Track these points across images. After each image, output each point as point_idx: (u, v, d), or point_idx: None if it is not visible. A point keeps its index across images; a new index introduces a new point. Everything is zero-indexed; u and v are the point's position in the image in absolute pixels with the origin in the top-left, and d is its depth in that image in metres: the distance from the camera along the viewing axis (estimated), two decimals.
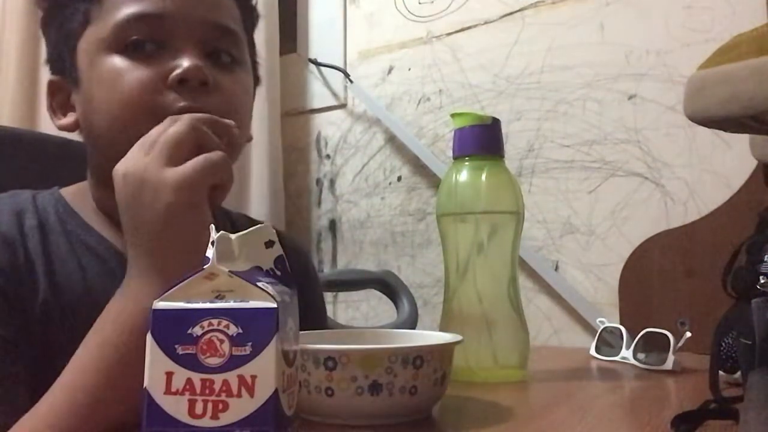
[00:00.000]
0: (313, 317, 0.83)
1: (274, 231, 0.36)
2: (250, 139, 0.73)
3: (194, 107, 0.57)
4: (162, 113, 0.56)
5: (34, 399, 0.46)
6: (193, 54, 0.59)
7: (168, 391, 0.29)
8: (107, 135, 0.60)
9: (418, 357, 0.46)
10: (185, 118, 0.50)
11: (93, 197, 0.66)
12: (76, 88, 0.63)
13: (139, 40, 0.60)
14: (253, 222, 0.83)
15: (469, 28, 1.50)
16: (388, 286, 1.26)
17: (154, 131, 0.50)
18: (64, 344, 0.48)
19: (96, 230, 0.63)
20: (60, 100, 0.66)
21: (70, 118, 0.65)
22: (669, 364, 0.70)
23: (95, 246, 0.62)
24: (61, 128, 0.66)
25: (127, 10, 0.60)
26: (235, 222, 0.79)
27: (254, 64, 0.73)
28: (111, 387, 0.45)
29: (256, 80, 0.74)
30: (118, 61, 0.59)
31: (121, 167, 0.49)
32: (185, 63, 0.58)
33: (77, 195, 0.67)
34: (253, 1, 0.74)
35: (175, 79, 0.58)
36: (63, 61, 0.64)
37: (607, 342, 0.82)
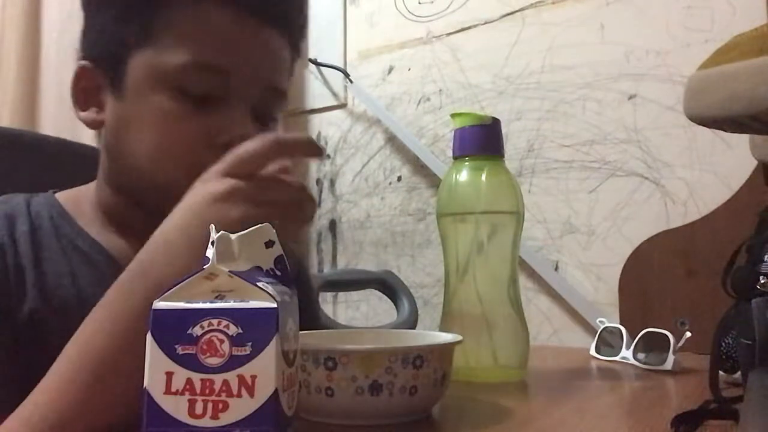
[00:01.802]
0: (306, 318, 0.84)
1: (274, 231, 0.36)
2: None
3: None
4: (196, 170, 0.55)
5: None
6: (245, 118, 0.59)
7: (168, 391, 0.29)
8: (142, 168, 0.59)
9: (418, 357, 0.46)
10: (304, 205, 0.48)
11: (100, 201, 0.66)
12: (115, 95, 0.61)
13: (198, 88, 0.58)
14: None
15: (469, 28, 1.51)
16: (388, 286, 1.26)
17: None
18: (55, 348, 0.47)
19: (90, 235, 0.63)
20: (86, 88, 0.63)
21: (93, 114, 0.62)
22: (669, 364, 0.70)
23: (87, 251, 0.62)
24: (84, 121, 0.63)
25: (192, 56, 0.57)
26: None
27: None
28: (104, 377, 0.44)
29: None
30: (170, 103, 0.58)
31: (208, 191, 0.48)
32: (235, 129, 0.57)
33: (73, 199, 0.66)
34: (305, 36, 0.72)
35: (222, 142, 0.56)
36: (106, 59, 0.61)
37: (607, 342, 0.82)
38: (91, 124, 0.63)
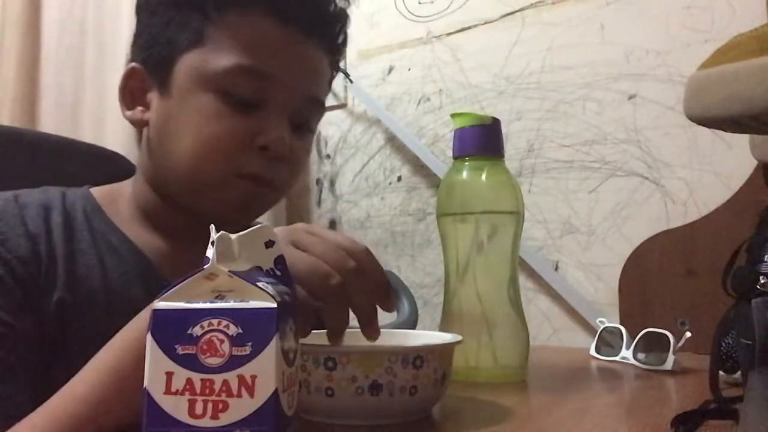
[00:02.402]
0: None
1: (275, 231, 0.36)
2: None
3: (264, 178, 0.62)
4: (233, 169, 0.60)
5: (51, 390, 0.46)
6: (284, 123, 0.62)
7: (168, 391, 0.29)
8: (182, 165, 0.62)
9: (418, 357, 0.46)
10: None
11: (137, 199, 0.68)
12: (161, 94, 0.63)
13: (240, 91, 0.61)
14: None
15: (469, 28, 1.50)
16: None
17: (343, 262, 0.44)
18: (80, 338, 0.48)
19: (121, 231, 0.65)
20: (133, 89, 0.65)
21: (138, 114, 0.65)
22: (669, 364, 0.70)
23: (117, 246, 0.63)
24: (129, 119, 0.66)
25: (239, 60, 0.60)
26: None
27: None
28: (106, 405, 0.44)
29: None
30: (214, 103, 0.60)
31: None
32: (273, 132, 0.61)
33: (108, 195, 0.68)
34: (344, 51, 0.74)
35: (260, 144, 0.61)
36: (155, 60, 0.64)
37: (607, 342, 0.82)
38: (137, 123, 0.66)
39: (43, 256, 0.58)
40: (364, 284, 0.45)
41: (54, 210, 0.62)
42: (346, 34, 0.70)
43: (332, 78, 0.72)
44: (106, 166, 0.86)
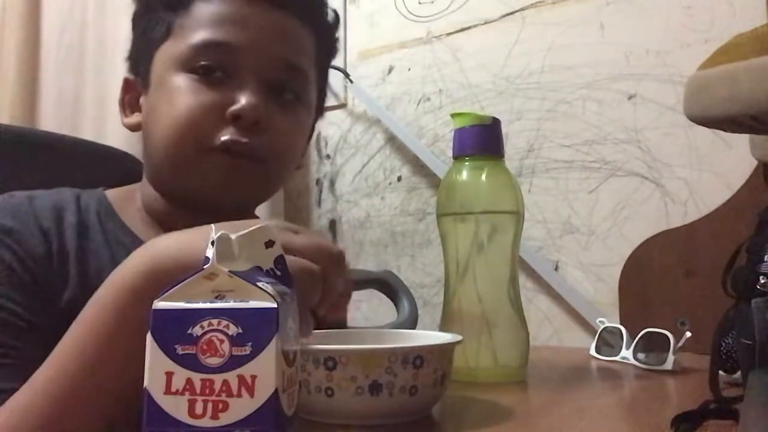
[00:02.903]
0: None
1: (274, 231, 0.36)
2: (300, 167, 0.77)
3: (237, 142, 0.61)
4: (205, 143, 0.60)
5: None
6: (255, 90, 0.62)
7: (168, 391, 0.29)
8: (161, 146, 0.63)
9: (418, 357, 0.46)
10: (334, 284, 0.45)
11: (144, 200, 0.69)
12: (145, 93, 0.67)
13: (208, 65, 0.62)
14: None
15: (469, 28, 1.50)
16: (388, 286, 1.26)
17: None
18: None
19: (133, 232, 0.66)
20: (130, 99, 0.69)
21: (135, 119, 0.68)
22: (669, 364, 0.70)
23: (130, 247, 0.64)
24: (126, 126, 0.70)
25: (203, 35, 0.62)
26: None
27: (321, 92, 0.76)
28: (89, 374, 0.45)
29: (321, 110, 0.78)
30: (185, 81, 0.62)
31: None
32: (244, 100, 0.61)
33: (121, 197, 0.69)
34: (336, 34, 0.75)
35: (231, 114, 0.61)
36: (140, 64, 0.68)
37: (607, 342, 0.82)
38: (134, 127, 0.69)
39: (56, 254, 0.59)
40: (340, 272, 0.45)
41: (67, 210, 0.63)
42: (325, 4, 0.72)
43: (321, 46, 0.70)
44: (125, 166, 0.88)
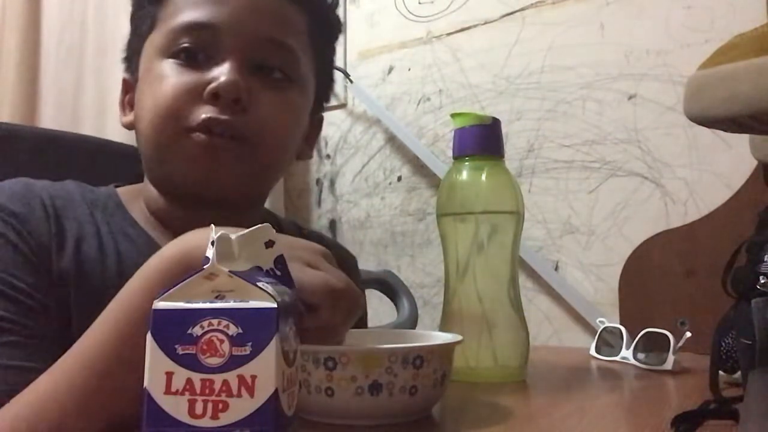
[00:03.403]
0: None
1: (274, 231, 0.36)
2: (304, 156, 0.74)
3: (216, 119, 0.59)
4: (187, 122, 0.59)
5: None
6: (236, 68, 0.60)
7: (168, 391, 0.29)
8: (146, 134, 0.63)
9: (418, 357, 0.46)
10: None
11: (145, 198, 0.68)
12: (136, 88, 0.67)
13: (189, 47, 0.62)
14: (305, 231, 0.86)
15: (469, 28, 1.50)
16: (388, 286, 1.26)
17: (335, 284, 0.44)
18: (83, 316, 0.48)
19: (140, 226, 0.66)
20: (130, 99, 0.69)
21: (131, 117, 0.68)
22: (669, 364, 0.70)
23: (135, 238, 0.64)
24: (123, 125, 0.69)
25: (183, 18, 0.62)
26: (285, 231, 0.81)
27: (326, 77, 0.74)
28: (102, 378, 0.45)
29: (327, 96, 0.75)
30: (166, 66, 0.62)
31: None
32: (222, 77, 0.59)
33: (130, 194, 0.69)
34: (335, 11, 0.73)
35: (209, 92, 0.59)
36: (132, 61, 0.68)
37: (607, 342, 0.82)
38: (129, 126, 0.68)
39: (54, 235, 0.59)
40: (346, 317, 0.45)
41: (71, 201, 0.63)
42: None
43: (311, 23, 0.68)
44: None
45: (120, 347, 0.44)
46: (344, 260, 0.82)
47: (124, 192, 0.69)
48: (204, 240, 0.42)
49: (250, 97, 0.60)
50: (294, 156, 0.71)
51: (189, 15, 0.62)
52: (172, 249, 0.46)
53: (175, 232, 0.65)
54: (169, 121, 0.60)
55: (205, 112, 0.59)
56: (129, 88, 0.70)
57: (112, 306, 0.46)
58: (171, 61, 0.62)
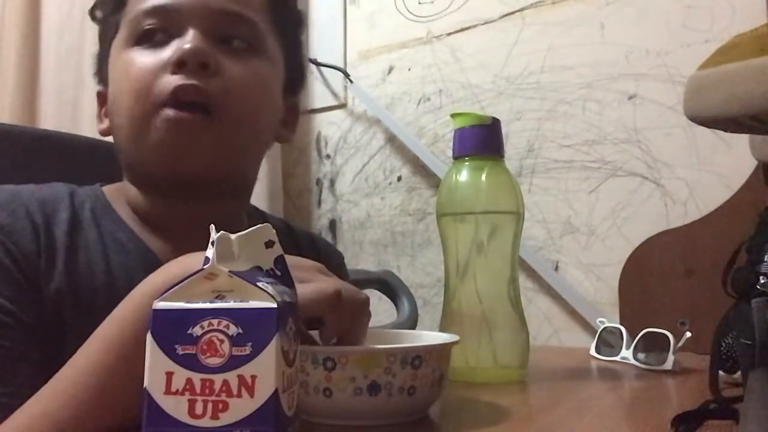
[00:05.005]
0: None
1: (275, 231, 0.36)
2: (283, 139, 0.74)
3: (185, 86, 0.58)
4: (158, 95, 0.59)
5: (45, 382, 0.46)
6: (197, 38, 0.60)
7: (168, 391, 0.29)
8: (119, 122, 0.63)
9: (416, 357, 0.46)
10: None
11: (127, 198, 0.68)
12: (107, 92, 0.67)
13: (149, 30, 0.62)
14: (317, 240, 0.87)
15: (469, 28, 1.50)
16: (388, 286, 1.26)
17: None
18: (82, 334, 0.48)
19: (129, 227, 0.65)
20: (106, 111, 0.70)
21: (105, 123, 0.69)
22: (669, 364, 0.70)
23: (125, 242, 0.64)
24: (99, 132, 0.71)
25: (140, 6, 0.63)
26: (297, 237, 0.81)
27: (296, 62, 0.74)
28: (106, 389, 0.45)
29: (299, 81, 0.75)
30: (131, 53, 0.62)
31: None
32: (186, 45, 0.59)
33: (116, 193, 0.68)
34: (291, 3, 0.74)
35: (173, 61, 0.59)
36: (102, 70, 0.69)
37: (607, 342, 0.82)
38: (104, 132, 0.70)
39: (44, 249, 0.58)
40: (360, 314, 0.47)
41: (60, 205, 0.63)
42: None
43: (281, 8, 0.69)
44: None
45: (115, 366, 0.43)
46: (329, 257, 0.83)
47: (109, 191, 0.69)
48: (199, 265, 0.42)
49: (217, 62, 0.60)
50: (270, 137, 0.71)
51: (146, 1, 0.63)
52: (175, 268, 0.46)
53: (160, 229, 0.66)
54: (139, 101, 0.60)
55: (172, 82, 0.59)
56: (103, 100, 0.70)
57: (105, 325, 0.46)
58: (135, 48, 0.62)
